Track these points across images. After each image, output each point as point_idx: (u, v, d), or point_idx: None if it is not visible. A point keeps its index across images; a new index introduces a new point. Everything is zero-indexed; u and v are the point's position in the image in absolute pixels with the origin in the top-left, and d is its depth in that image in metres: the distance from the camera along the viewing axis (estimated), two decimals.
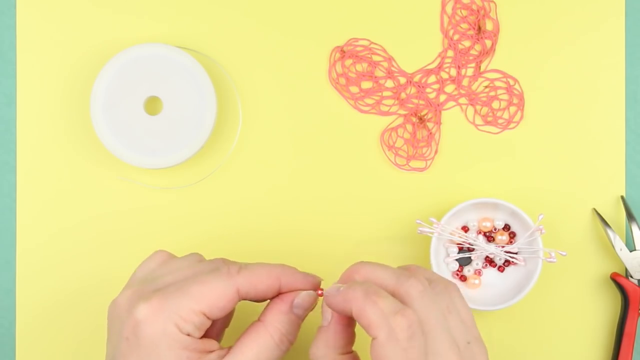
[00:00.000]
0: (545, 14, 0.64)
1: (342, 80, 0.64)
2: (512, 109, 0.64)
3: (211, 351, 0.44)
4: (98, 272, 0.64)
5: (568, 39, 0.64)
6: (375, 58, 0.64)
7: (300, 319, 0.47)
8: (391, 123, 0.64)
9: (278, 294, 0.47)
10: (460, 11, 0.64)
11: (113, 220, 0.64)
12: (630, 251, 0.62)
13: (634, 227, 0.62)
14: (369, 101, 0.64)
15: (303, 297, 0.47)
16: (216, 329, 0.50)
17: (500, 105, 0.64)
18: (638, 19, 0.64)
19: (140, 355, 0.42)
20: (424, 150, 0.64)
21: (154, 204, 0.64)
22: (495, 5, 0.64)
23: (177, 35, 0.64)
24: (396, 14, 0.64)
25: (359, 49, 0.64)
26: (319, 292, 0.48)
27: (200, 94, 0.61)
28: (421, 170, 0.64)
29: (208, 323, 0.44)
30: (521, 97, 0.64)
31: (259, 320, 0.46)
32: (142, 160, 0.61)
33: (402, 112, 0.64)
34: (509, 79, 0.64)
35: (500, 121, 0.64)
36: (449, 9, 0.64)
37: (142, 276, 0.47)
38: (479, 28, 0.64)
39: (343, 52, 0.64)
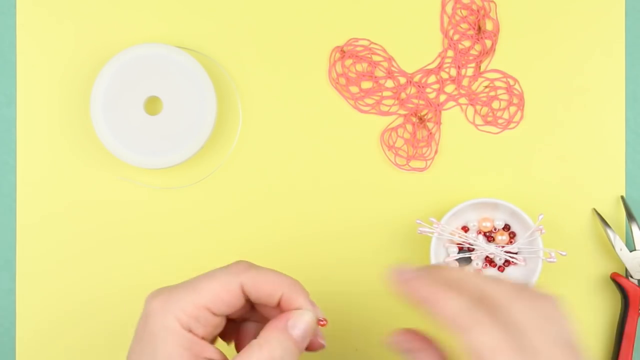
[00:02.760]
0: (545, 14, 0.64)
1: (342, 80, 0.64)
2: (512, 109, 0.64)
3: (208, 359, 0.44)
4: (98, 272, 0.64)
5: (568, 38, 0.64)
6: (375, 58, 0.64)
7: (296, 341, 0.44)
8: (391, 123, 0.64)
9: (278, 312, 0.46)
10: (460, 11, 0.64)
11: (113, 220, 0.64)
12: (630, 251, 0.62)
13: (634, 227, 0.62)
14: (369, 101, 0.64)
15: (298, 315, 0.44)
16: (229, 333, 0.49)
17: (500, 105, 0.64)
18: (638, 19, 0.64)
19: (141, 346, 0.43)
20: (424, 150, 0.64)
21: (154, 204, 0.64)
22: (495, 5, 0.64)
23: (177, 35, 0.64)
24: (396, 14, 0.64)
25: (359, 49, 0.64)
26: (322, 322, 0.46)
27: (200, 94, 0.61)
28: (421, 170, 0.64)
29: (213, 320, 0.44)
30: (521, 97, 0.64)
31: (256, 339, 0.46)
32: (142, 160, 0.61)
33: (402, 112, 0.64)
34: (509, 79, 0.64)
35: (500, 121, 0.64)
36: (449, 9, 0.64)
37: None
38: (479, 28, 0.64)
39: (343, 52, 0.64)
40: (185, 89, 0.61)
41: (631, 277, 0.62)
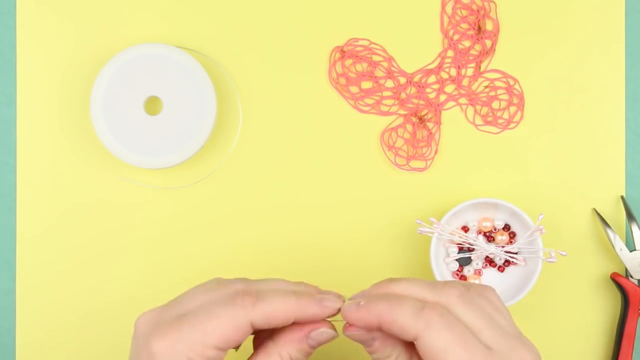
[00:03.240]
0: (545, 14, 0.64)
1: (342, 80, 0.64)
2: (512, 109, 0.64)
3: None
4: (98, 271, 0.64)
5: (568, 38, 0.64)
6: (375, 58, 0.64)
7: (313, 348, 0.46)
8: (391, 123, 0.64)
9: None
10: (460, 11, 0.64)
11: (112, 220, 0.64)
12: (630, 251, 0.62)
13: (634, 227, 0.62)
14: (369, 101, 0.64)
15: (322, 333, 0.45)
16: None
17: (500, 105, 0.64)
18: (638, 19, 0.64)
19: None
20: (424, 150, 0.64)
21: (154, 204, 0.64)
22: (495, 5, 0.64)
23: (177, 35, 0.64)
24: (396, 14, 0.64)
25: (359, 49, 0.64)
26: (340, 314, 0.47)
27: (200, 94, 0.61)
28: (421, 170, 0.64)
29: (222, 354, 0.44)
30: (521, 97, 0.64)
31: (271, 339, 0.46)
32: (142, 160, 0.61)
33: (402, 112, 0.64)
34: (509, 79, 0.64)
35: (500, 121, 0.64)
36: (449, 9, 0.64)
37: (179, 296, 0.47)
38: (479, 28, 0.64)
39: (343, 52, 0.64)
40: (185, 89, 0.61)
41: (631, 277, 0.62)
